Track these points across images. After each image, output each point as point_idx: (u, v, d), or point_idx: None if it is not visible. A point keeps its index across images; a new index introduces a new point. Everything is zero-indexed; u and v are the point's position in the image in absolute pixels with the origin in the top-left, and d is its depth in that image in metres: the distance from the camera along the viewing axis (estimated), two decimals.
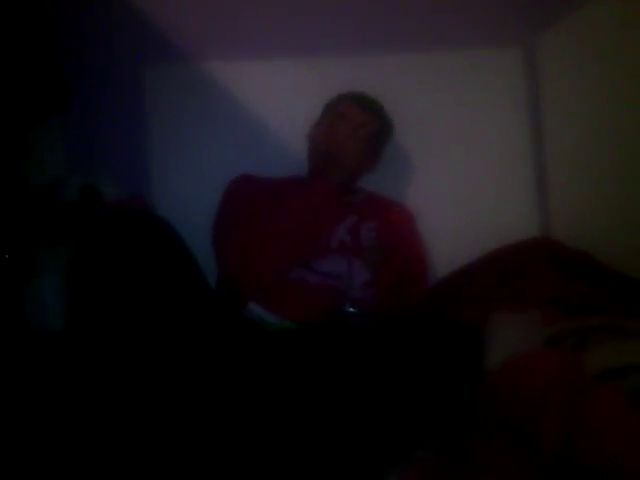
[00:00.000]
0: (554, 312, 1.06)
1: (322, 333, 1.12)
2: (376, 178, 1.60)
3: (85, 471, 0.86)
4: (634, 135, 1.29)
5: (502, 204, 1.70)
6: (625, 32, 1.29)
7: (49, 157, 1.47)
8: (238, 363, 0.99)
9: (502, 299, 1.10)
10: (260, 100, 1.67)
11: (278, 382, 0.98)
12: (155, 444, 0.88)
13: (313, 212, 1.42)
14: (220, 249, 1.45)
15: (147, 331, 0.91)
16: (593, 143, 1.44)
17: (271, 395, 0.96)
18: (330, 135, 1.47)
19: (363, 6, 1.47)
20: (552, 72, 1.62)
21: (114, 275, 0.91)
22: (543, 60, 1.65)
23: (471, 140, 1.72)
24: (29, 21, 1.30)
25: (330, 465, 0.89)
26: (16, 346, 1.14)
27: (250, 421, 0.92)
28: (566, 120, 1.57)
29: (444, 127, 1.70)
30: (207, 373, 0.95)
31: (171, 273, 0.97)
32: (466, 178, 1.71)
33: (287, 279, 1.36)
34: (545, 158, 1.67)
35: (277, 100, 1.66)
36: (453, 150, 1.72)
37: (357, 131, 1.48)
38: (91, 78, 1.55)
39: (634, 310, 1.02)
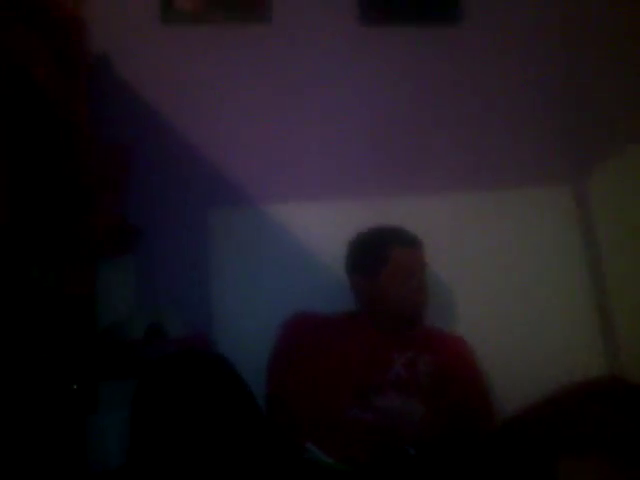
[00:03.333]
0: (622, 459, 1.00)
1: (378, 473, 1.08)
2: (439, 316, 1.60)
3: None
4: None
5: (568, 345, 1.67)
6: None
7: (120, 295, 1.54)
8: None
9: (572, 440, 1.05)
10: (310, 240, 1.73)
11: None
12: None
13: (363, 352, 1.43)
14: (276, 388, 1.45)
15: (208, 471, 0.91)
16: None
17: None
18: (397, 287, 1.49)
19: (411, 150, 1.56)
20: (605, 210, 1.64)
21: (177, 414, 0.93)
22: (595, 198, 1.68)
23: (533, 281, 1.72)
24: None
25: None
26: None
27: None
28: (625, 254, 1.56)
29: (502, 263, 1.71)
30: None
31: (231, 412, 0.98)
32: (528, 319, 1.70)
33: (345, 419, 1.34)
34: (608, 297, 1.65)
35: (328, 239, 1.71)
36: (513, 290, 1.72)
37: (420, 275, 1.50)
38: (160, 219, 1.66)
39: None
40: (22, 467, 1.07)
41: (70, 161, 1.29)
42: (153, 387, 0.97)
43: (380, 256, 1.51)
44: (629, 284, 1.56)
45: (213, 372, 0.99)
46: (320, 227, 1.72)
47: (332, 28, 1.80)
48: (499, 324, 1.67)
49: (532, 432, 1.13)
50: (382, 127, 1.75)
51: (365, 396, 1.37)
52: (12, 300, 1.13)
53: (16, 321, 1.14)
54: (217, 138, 1.66)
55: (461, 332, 1.61)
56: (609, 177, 1.59)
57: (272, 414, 1.40)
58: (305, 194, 1.75)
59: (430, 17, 1.88)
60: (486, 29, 1.85)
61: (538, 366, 1.59)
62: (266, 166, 1.68)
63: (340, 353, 1.41)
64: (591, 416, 1.11)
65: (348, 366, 1.40)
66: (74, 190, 1.31)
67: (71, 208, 1.31)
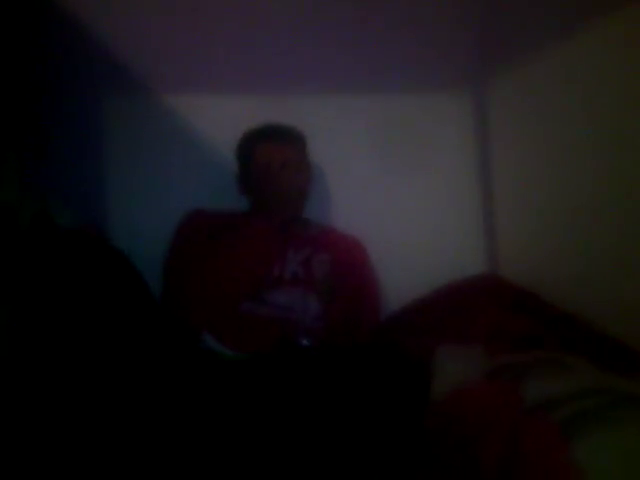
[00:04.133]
0: (496, 346, 1.11)
1: (274, 363, 1.14)
2: (327, 212, 1.64)
3: None
4: (578, 171, 1.35)
5: (450, 241, 1.76)
6: (572, 82, 1.36)
7: (6, 179, 1.45)
8: (193, 391, 1.00)
9: (448, 333, 1.14)
10: (213, 133, 1.69)
11: (231, 410, 0.99)
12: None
13: (258, 246, 1.45)
14: (171, 282, 1.45)
15: (100, 356, 0.91)
16: (538, 181, 1.51)
17: (224, 424, 0.97)
18: (261, 185, 1.51)
19: (308, 44, 1.52)
20: (501, 116, 1.70)
21: (65, 302, 0.91)
22: (492, 105, 1.73)
23: (421, 177, 1.77)
24: None
25: None
26: None
27: (203, 450, 0.93)
28: (513, 158, 1.64)
29: (394, 164, 1.75)
30: (161, 400, 0.95)
31: (127, 298, 0.97)
32: (416, 215, 1.77)
33: (239, 311, 1.37)
34: (492, 196, 1.75)
35: (229, 134, 1.65)
36: (403, 187, 1.77)
37: (284, 167, 1.51)
38: (49, 105, 1.55)
39: (570, 344, 1.07)
40: None
41: None
42: (42, 270, 0.94)
43: (245, 154, 1.56)
44: (513, 191, 1.66)
45: (106, 256, 0.97)
46: (220, 122, 1.67)
47: None
48: (384, 225, 1.73)
49: (411, 326, 1.23)
50: (282, 24, 1.68)
51: (260, 291, 1.41)
52: None
53: None
54: (117, 23, 1.54)
55: (352, 232, 1.65)
56: (512, 84, 1.61)
57: (168, 308, 1.42)
58: (206, 86, 1.67)
59: None
60: None
61: (426, 267, 1.67)
62: (168, 55, 1.59)
63: (235, 249, 1.43)
64: (468, 309, 1.21)
65: (243, 262, 1.42)
66: None
67: None
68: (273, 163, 1.50)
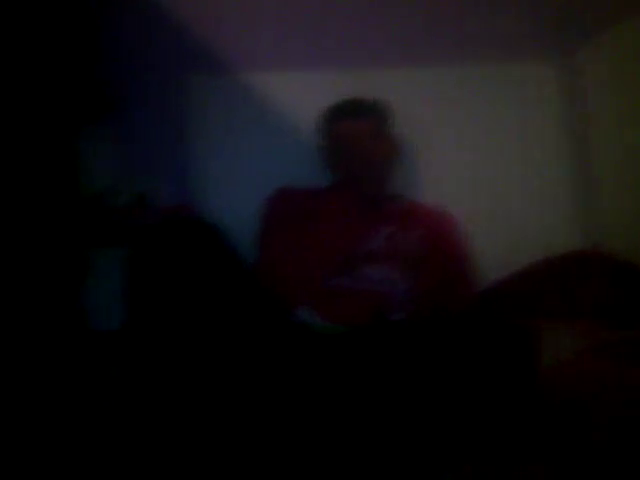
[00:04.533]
0: (600, 322, 1.07)
1: (369, 336, 1.14)
2: (415, 185, 1.62)
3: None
4: None
5: (545, 213, 1.70)
6: None
7: (101, 165, 1.51)
8: (289, 364, 1.02)
9: (549, 306, 1.11)
10: (297, 109, 1.70)
11: (328, 383, 1.00)
12: (203, 441, 0.91)
13: (343, 221, 1.45)
14: (263, 258, 1.48)
15: (201, 332, 0.94)
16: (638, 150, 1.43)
17: (321, 396, 0.98)
18: (345, 160, 1.50)
19: (396, 20, 1.49)
20: (594, 84, 1.62)
21: (171, 278, 0.94)
22: (584, 73, 1.65)
23: (513, 148, 1.72)
24: (76, 34, 1.34)
25: (380, 465, 0.90)
26: (73, 343, 1.18)
27: (300, 421, 0.95)
28: (609, 126, 1.56)
29: (485, 135, 1.70)
30: (258, 374, 0.97)
31: (225, 276, 1.00)
32: (509, 187, 1.72)
33: (331, 286, 1.38)
34: (591, 171, 1.67)
35: (313, 109, 1.66)
36: (494, 165, 1.73)
37: (367, 141, 1.50)
38: (144, 88, 1.60)
39: None
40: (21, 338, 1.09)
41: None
42: (146, 253, 0.97)
43: (328, 129, 1.55)
44: (611, 161, 1.58)
45: (206, 236, 1.00)
46: (304, 97, 1.68)
47: None
48: (476, 197, 1.70)
49: (513, 299, 1.20)
50: None
51: (350, 266, 1.41)
52: None
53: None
54: (196, 6, 1.57)
55: (443, 206, 1.62)
56: (601, 53, 1.54)
57: (262, 283, 1.45)
58: (289, 62, 1.68)
59: None
60: None
61: (521, 240, 1.63)
62: (250, 32, 1.60)
63: (321, 225, 1.43)
64: (571, 283, 1.17)
65: (329, 237, 1.42)
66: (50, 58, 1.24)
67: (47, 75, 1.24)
68: (356, 137, 1.49)
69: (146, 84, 1.64)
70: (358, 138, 1.49)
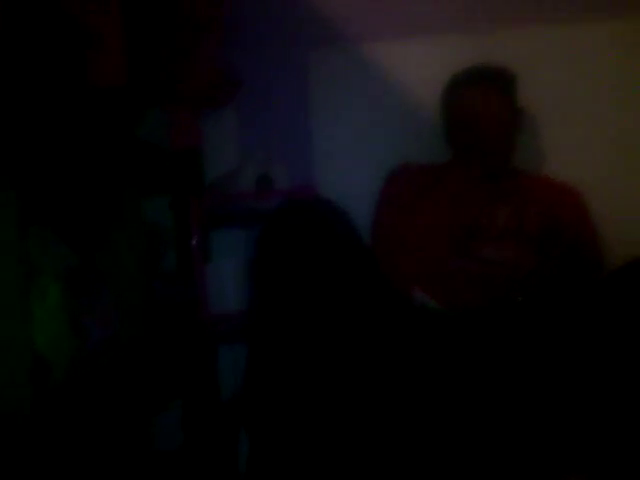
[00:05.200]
0: None
1: (489, 321, 1.11)
2: (540, 160, 1.53)
3: None
4: None
5: None
6: None
7: (225, 147, 1.56)
8: (409, 347, 1.02)
9: None
10: (418, 80, 1.64)
11: (446, 367, 0.99)
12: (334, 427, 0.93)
13: (462, 198, 1.41)
14: (380, 237, 1.47)
15: (326, 318, 0.96)
16: None
17: (442, 380, 0.97)
18: (465, 133, 1.44)
19: None
20: None
21: (297, 260, 0.97)
22: None
23: None
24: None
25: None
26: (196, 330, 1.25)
27: (421, 409, 0.95)
28: None
29: (622, 102, 1.57)
30: (380, 358, 0.98)
31: (351, 259, 1.01)
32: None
33: (449, 267, 1.35)
34: None
35: (436, 79, 1.58)
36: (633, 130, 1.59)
37: (489, 113, 1.43)
38: (260, 69, 1.62)
39: None
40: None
41: (169, 6, 1.25)
42: (274, 236, 1.00)
43: (449, 101, 1.50)
44: None
45: (333, 219, 1.02)
46: (426, 67, 1.62)
47: None
48: (608, 175, 1.58)
49: None
50: None
51: (470, 246, 1.37)
52: (125, 160, 1.17)
53: (129, 179, 1.19)
54: None
55: (570, 181, 1.52)
56: None
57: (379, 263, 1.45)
58: (409, 29, 1.63)
59: None
60: None
61: None
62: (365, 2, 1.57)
63: (439, 202, 1.40)
64: None
65: (452, 214, 1.39)
66: (175, 36, 1.29)
67: (173, 55, 1.29)
68: (477, 108, 1.43)
69: (266, 61, 1.65)
70: (484, 107, 1.43)
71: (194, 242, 1.29)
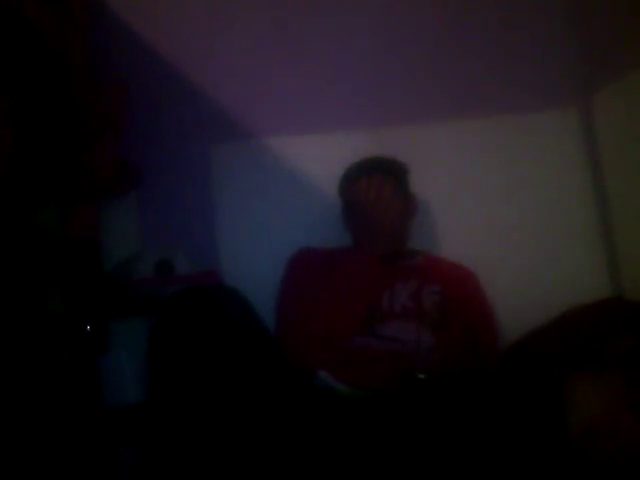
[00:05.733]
0: (633, 374, 1.03)
1: (394, 399, 1.11)
2: (434, 241, 1.62)
3: None
4: None
5: (567, 264, 1.68)
6: None
7: (124, 235, 1.54)
8: (313, 430, 1.00)
9: (579, 361, 1.08)
10: (317, 172, 1.73)
11: (352, 449, 0.97)
12: None
13: (362, 279, 1.45)
14: (283, 320, 1.48)
15: (226, 402, 0.93)
16: None
17: (347, 462, 0.95)
18: (360, 219, 1.52)
19: (411, 77, 1.53)
20: (610, 131, 1.63)
21: (195, 348, 0.94)
22: (600, 120, 1.66)
23: (532, 198, 1.72)
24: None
25: None
26: (92, 420, 1.17)
27: None
28: (627, 173, 1.56)
29: (503, 187, 1.71)
30: (283, 440, 0.96)
31: (247, 344, 1.00)
32: (529, 238, 1.72)
33: (352, 347, 1.36)
34: (611, 218, 1.66)
35: (333, 170, 1.68)
36: (516, 217, 1.73)
37: (381, 201, 1.51)
38: (161, 161, 1.64)
39: None
40: (36, 407, 1.09)
41: (67, 101, 1.25)
42: (168, 323, 0.98)
43: (345, 189, 1.58)
44: (632, 207, 1.57)
45: (229, 305, 1.00)
46: (324, 159, 1.71)
47: None
48: (501, 251, 1.69)
49: (539, 354, 1.17)
50: (381, 57, 1.71)
51: (372, 325, 1.40)
52: (16, 246, 1.12)
53: (21, 267, 1.14)
54: (215, 74, 1.63)
55: (463, 261, 1.62)
56: (616, 99, 1.56)
57: (283, 347, 1.44)
58: (307, 126, 1.72)
59: None
60: None
61: (541, 292, 1.61)
62: (266, 99, 1.65)
63: (340, 284, 1.44)
64: (598, 336, 1.14)
65: (353, 296, 1.42)
66: (73, 130, 1.28)
67: (71, 149, 1.28)
68: (370, 197, 1.50)
69: (168, 152, 1.68)
70: (379, 197, 1.50)
71: (88, 331, 1.23)
